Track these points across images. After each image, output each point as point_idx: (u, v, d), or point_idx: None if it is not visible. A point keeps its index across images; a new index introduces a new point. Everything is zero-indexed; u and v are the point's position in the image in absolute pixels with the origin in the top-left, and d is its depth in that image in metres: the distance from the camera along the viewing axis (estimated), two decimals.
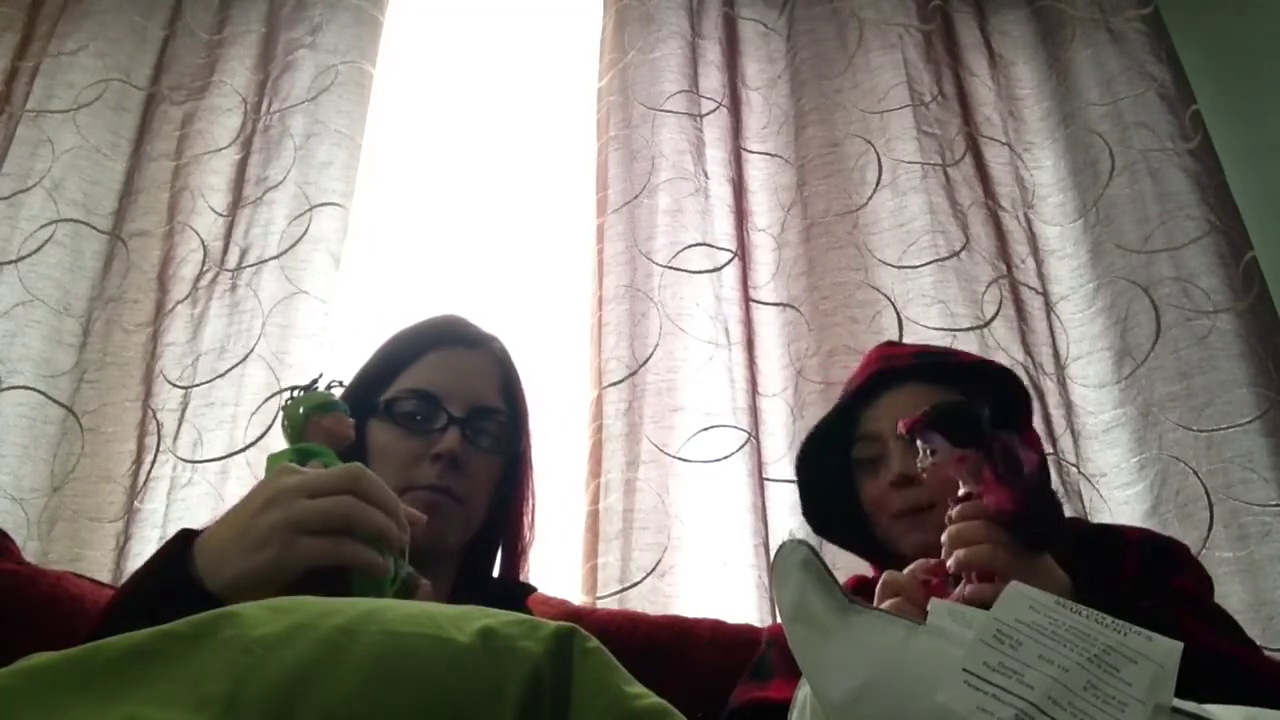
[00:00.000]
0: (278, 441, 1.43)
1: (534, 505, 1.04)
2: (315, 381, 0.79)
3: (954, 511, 0.78)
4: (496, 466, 0.96)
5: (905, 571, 0.81)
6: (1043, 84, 1.89)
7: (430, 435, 0.90)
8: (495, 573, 1.03)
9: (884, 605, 0.78)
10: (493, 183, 1.88)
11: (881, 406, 1.00)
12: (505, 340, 1.03)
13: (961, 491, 0.79)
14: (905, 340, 1.57)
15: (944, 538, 0.78)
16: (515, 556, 1.02)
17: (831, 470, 1.05)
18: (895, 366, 1.03)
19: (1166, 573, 0.89)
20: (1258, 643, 0.89)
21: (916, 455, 0.81)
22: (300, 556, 0.61)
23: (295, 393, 0.76)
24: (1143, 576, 0.89)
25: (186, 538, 0.67)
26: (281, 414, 0.76)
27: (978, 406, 0.80)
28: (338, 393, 0.79)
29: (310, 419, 0.74)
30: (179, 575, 0.63)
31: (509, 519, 1.01)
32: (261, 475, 1.40)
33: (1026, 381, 1.49)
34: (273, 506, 0.63)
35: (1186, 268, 1.61)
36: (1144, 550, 0.92)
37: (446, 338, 0.98)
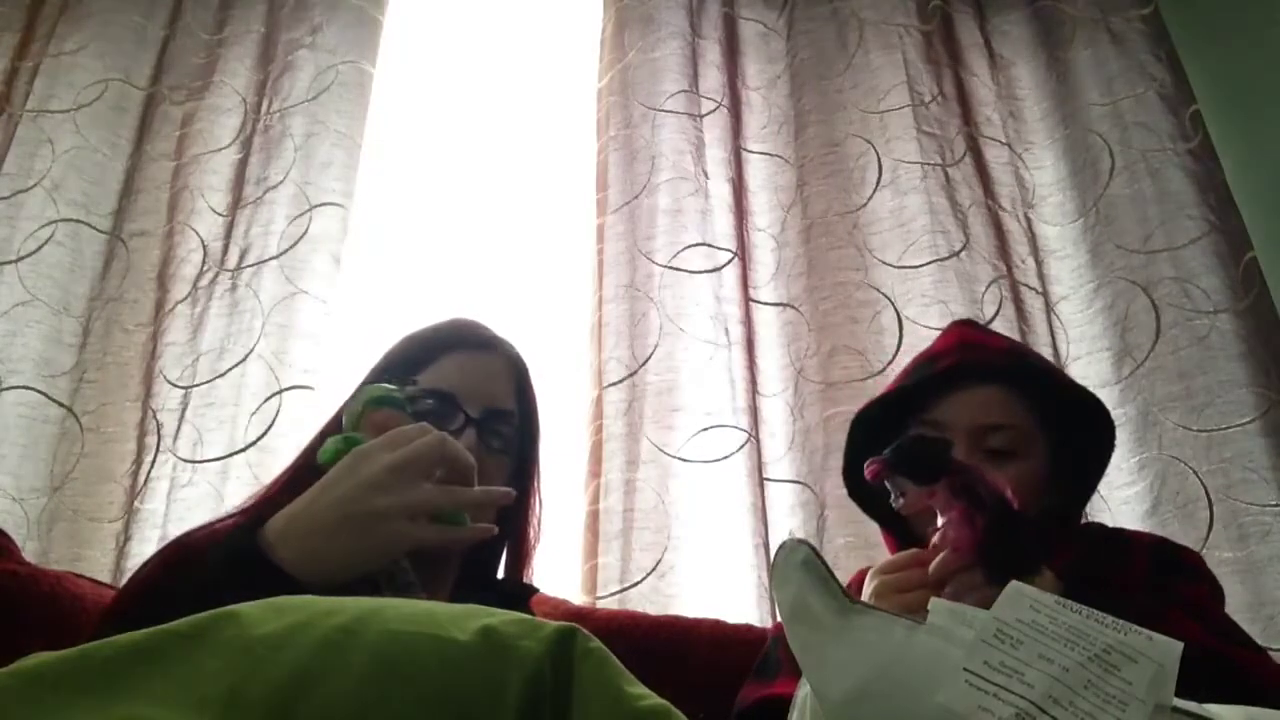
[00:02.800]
0: (278, 441, 1.44)
1: (541, 509, 1.04)
2: (396, 379, 0.82)
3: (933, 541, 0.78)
4: (507, 469, 0.97)
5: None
6: (1043, 84, 1.89)
7: None
8: (500, 574, 1.04)
9: (873, 587, 0.80)
10: (493, 183, 1.88)
11: (957, 398, 0.97)
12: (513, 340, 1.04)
13: (940, 522, 0.79)
14: (903, 338, 1.57)
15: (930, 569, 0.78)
16: (520, 559, 1.03)
17: (882, 437, 1.04)
18: (985, 361, 1.00)
19: (1176, 579, 0.89)
20: (1258, 643, 0.88)
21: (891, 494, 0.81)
22: (394, 546, 0.68)
23: (370, 386, 0.80)
24: (1150, 580, 0.88)
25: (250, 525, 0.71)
26: (347, 403, 0.80)
27: (938, 443, 0.81)
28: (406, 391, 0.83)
29: (367, 412, 0.78)
30: (251, 554, 0.66)
31: (516, 521, 1.02)
32: (261, 475, 1.41)
33: None
34: (368, 487, 0.68)
35: (1186, 268, 1.61)
36: (1155, 555, 0.92)
37: (464, 340, 0.99)
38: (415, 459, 0.69)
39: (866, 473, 0.81)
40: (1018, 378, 0.98)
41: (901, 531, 1.04)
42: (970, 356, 1.00)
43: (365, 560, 0.67)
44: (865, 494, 1.08)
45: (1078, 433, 0.99)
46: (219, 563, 0.68)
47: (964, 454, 0.93)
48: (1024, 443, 0.94)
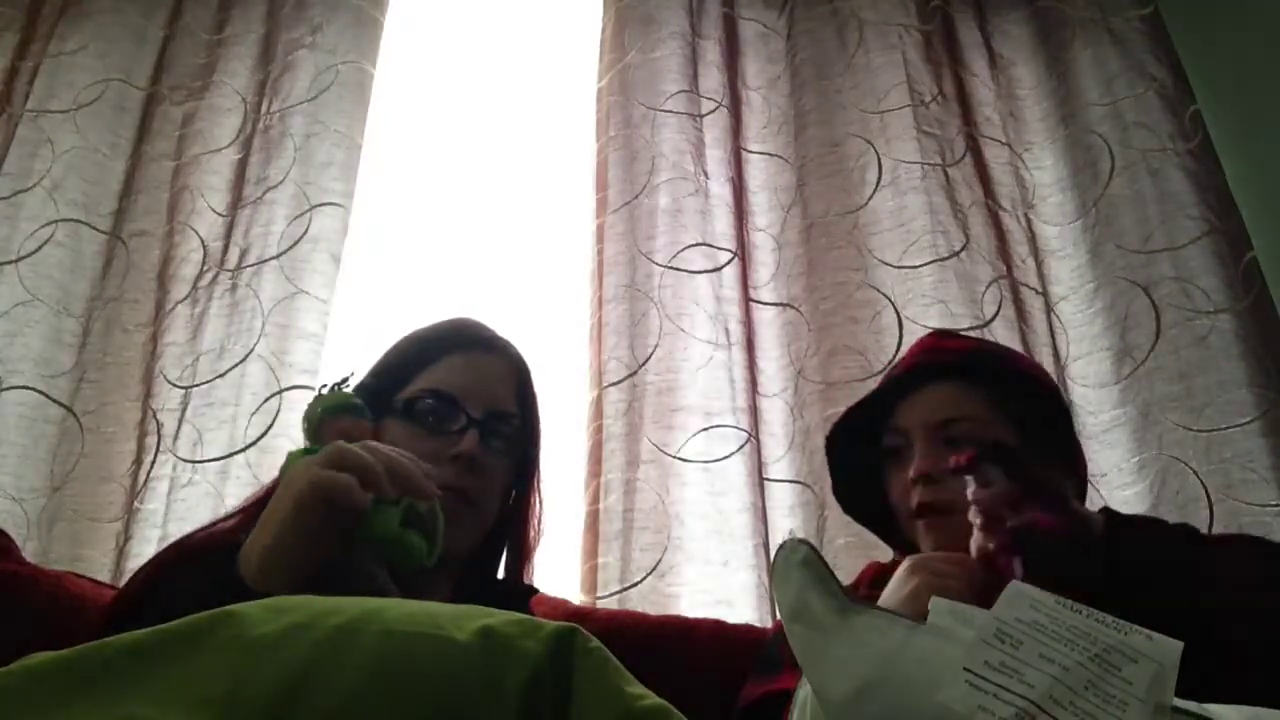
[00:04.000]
0: (278, 441, 1.44)
1: (542, 510, 1.05)
2: (345, 380, 0.80)
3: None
4: (508, 470, 0.97)
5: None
6: (1043, 84, 1.89)
7: (448, 436, 0.91)
8: (500, 575, 1.04)
9: (914, 585, 0.79)
10: (493, 182, 1.88)
11: (917, 400, 0.98)
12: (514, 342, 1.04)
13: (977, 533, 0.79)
14: (903, 338, 1.57)
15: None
16: (520, 559, 1.03)
17: (869, 452, 1.04)
18: (939, 362, 1.01)
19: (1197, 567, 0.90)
20: None
21: (963, 482, 0.81)
22: (306, 498, 0.66)
23: (321, 390, 0.78)
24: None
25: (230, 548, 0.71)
26: (304, 414, 0.78)
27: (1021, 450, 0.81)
28: (355, 385, 0.82)
29: (326, 420, 0.76)
30: (228, 575, 0.67)
31: (516, 523, 1.02)
32: (261, 475, 1.41)
33: None
34: (287, 485, 0.69)
35: (1186, 268, 1.61)
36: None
37: (466, 341, 0.99)
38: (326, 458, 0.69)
39: (953, 461, 0.81)
40: (973, 371, 0.99)
41: (901, 540, 1.04)
42: (925, 360, 1.02)
43: (321, 527, 0.66)
44: (859, 504, 1.08)
45: (1036, 411, 1.00)
46: (197, 588, 0.68)
47: (921, 451, 0.94)
48: (983, 432, 0.94)
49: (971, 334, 1.58)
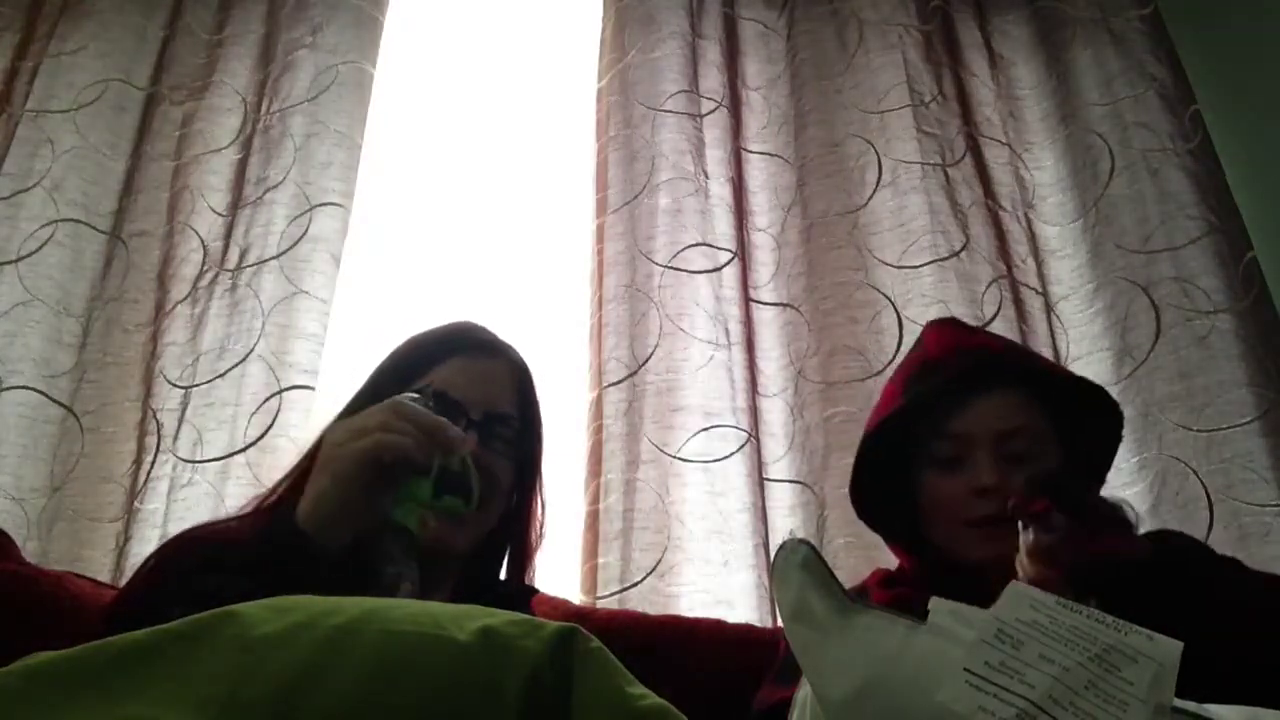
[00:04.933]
0: (278, 441, 1.44)
1: (543, 511, 1.05)
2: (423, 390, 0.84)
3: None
4: (509, 472, 0.97)
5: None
6: (1043, 84, 1.89)
7: None
8: (501, 576, 1.04)
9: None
10: (493, 183, 1.88)
11: (974, 406, 0.96)
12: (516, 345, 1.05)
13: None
14: (903, 338, 1.57)
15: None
16: (522, 560, 1.03)
17: (890, 449, 1.02)
18: (993, 363, 0.99)
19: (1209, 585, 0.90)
20: None
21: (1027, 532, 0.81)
22: (347, 460, 0.72)
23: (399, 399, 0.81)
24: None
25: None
26: None
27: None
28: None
29: None
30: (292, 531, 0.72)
31: (518, 524, 1.02)
32: (261, 475, 1.41)
33: None
34: (331, 446, 0.75)
35: (1186, 268, 1.61)
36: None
37: (467, 344, 0.99)
38: (363, 425, 0.74)
39: (1024, 504, 0.81)
40: (1025, 378, 0.98)
41: (909, 542, 1.03)
42: (976, 362, 0.99)
43: (335, 485, 0.72)
44: (870, 507, 1.07)
45: (1085, 424, 0.99)
46: (261, 549, 0.72)
47: (988, 462, 0.93)
48: (1039, 443, 0.95)
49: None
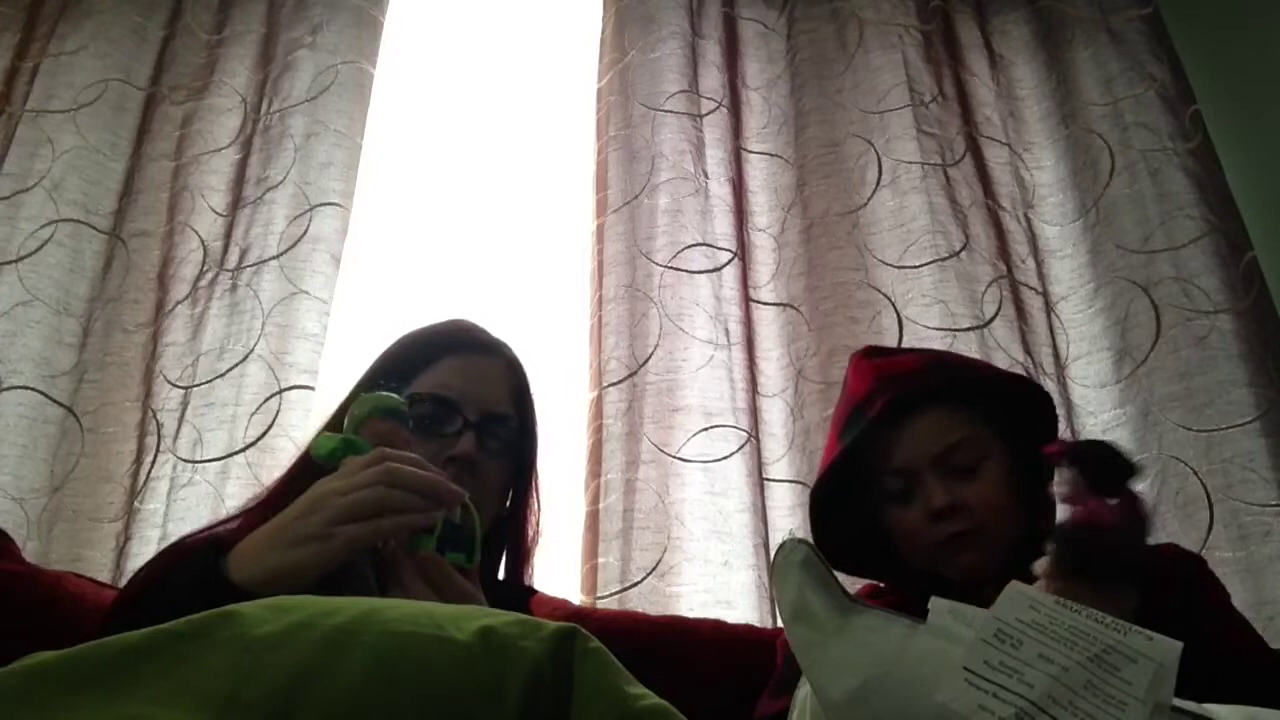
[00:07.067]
0: (278, 441, 1.44)
1: (540, 511, 1.05)
2: (399, 388, 0.82)
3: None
4: (506, 472, 0.97)
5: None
6: (1043, 84, 1.89)
7: (445, 439, 0.91)
8: (500, 576, 1.04)
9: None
10: (493, 183, 1.88)
11: (906, 438, 0.95)
12: (511, 343, 1.04)
13: None
14: (903, 338, 1.57)
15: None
16: (520, 560, 1.03)
17: (848, 490, 1.01)
18: (911, 389, 0.97)
19: (1203, 590, 0.90)
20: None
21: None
22: (339, 547, 0.66)
23: (377, 390, 0.80)
24: (1185, 594, 0.88)
25: (217, 547, 0.70)
26: (352, 405, 0.80)
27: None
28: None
29: (370, 419, 0.78)
30: (209, 570, 0.66)
31: (515, 524, 1.02)
32: (261, 475, 1.41)
33: None
34: (312, 511, 0.67)
35: (1186, 268, 1.61)
36: (1181, 569, 0.92)
37: (463, 343, 0.99)
38: (351, 484, 0.68)
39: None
40: (950, 390, 0.97)
41: (898, 573, 1.02)
42: (895, 390, 0.97)
43: (306, 570, 0.66)
44: (841, 556, 1.04)
45: (1019, 413, 0.99)
46: (182, 583, 0.68)
47: (936, 486, 0.92)
48: (981, 448, 0.94)
49: (970, 333, 1.58)
